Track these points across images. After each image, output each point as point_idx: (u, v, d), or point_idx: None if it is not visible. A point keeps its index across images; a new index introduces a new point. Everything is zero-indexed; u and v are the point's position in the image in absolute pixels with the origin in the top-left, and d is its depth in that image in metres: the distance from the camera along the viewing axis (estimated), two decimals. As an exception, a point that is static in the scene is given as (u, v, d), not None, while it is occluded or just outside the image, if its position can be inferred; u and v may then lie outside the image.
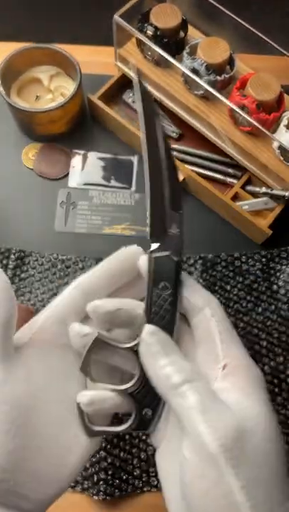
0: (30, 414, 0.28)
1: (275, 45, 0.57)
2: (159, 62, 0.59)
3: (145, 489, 0.48)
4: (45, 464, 0.28)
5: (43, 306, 0.55)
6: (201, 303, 0.28)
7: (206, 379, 0.27)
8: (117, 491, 0.47)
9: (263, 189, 0.58)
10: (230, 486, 0.23)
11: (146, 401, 0.29)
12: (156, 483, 0.48)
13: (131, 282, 0.31)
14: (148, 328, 0.27)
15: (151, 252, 0.30)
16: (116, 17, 0.56)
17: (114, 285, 0.31)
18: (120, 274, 0.31)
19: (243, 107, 0.55)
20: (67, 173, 0.62)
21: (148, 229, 0.30)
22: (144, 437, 0.49)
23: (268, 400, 0.27)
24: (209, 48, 0.56)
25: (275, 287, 0.57)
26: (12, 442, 0.26)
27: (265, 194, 0.58)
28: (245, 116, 0.53)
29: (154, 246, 0.30)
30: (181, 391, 0.25)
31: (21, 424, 0.27)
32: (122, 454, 0.49)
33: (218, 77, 0.56)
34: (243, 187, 0.60)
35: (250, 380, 0.27)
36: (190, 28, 0.61)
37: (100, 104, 0.61)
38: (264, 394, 0.27)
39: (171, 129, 0.64)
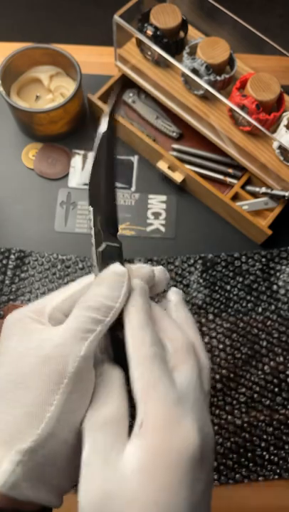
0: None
1: (275, 45, 0.57)
2: (159, 62, 0.59)
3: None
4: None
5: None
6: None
7: (115, 436, 0.26)
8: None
9: (263, 189, 0.58)
10: None
11: None
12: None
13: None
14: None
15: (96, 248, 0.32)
16: (116, 17, 0.56)
17: None
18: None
19: (242, 107, 0.55)
20: (68, 173, 0.63)
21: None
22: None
23: (183, 481, 0.24)
24: (209, 48, 0.56)
25: (275, 287, 0.57)
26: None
27: (265, 194, 0.58)
28: (245, 116, 0.53)
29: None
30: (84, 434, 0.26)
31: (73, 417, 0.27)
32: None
33: (218, 77, 0.56)
34: (242, 187, 0.60)
35: (159, 448, 0.24)
36: (190, 28, 0.61)
37: (100, 104, 0.62)
38: (176, 475, 0.24)
39: (171, 129, 0.64)
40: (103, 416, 0.26)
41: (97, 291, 0.29)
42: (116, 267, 0.30)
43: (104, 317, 0.28)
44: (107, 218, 0.32)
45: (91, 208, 0.32)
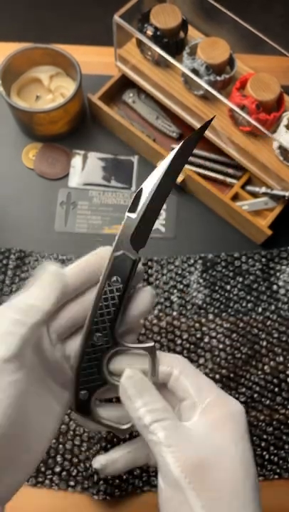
0: (27, 403, 0.29)
1: (275, 45, 0.57)
2: (159, 63, 0.59)
3: (145, 489, 0.48)
4: (23, 451, 0.30)
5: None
6: (166, 369, 0.32)
7: (175, 417, 0.30)
8: (117, 490, 0.47)
9: (263, 189, 0.58)
10: (192, 506, 0.27)
11: (84, 381, 0.32)
12: (156, 482, 0.48)
13: None
14: (126, 373, 0.31)
15: (113, 252, 0.32)
16: (116, 17, 0.56)
17: (88, 282, 0.33)
18: (96, 271, 0.33)
19: (242, 107, 0.55)
20: (68, 173, 0.63)
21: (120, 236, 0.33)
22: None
23: (242, 433, 0.30)
24: (209, 48, 0.56)
25: (275, 287, 0.57)
26: (8, 428, 0.28)
27: (265, 194, 0.58)
28: (245, 116, 0.54)
29: (118, 249, 0.32)
30: (151, 429, 0.29)
31: (19, 413, 0.28)
32: (122, 454, 0.49)
33: (218, 78, 0.56)
34: (243, 187, 0.60)
35: (223, 417, 0.30)
36: (190, 29, 0.61)
37: (100, 104, 0.62)
38: (238, 428, 0.30)
39: (171, 129, 0.64)
40: (158, 407, 0.30)
41: (27, 292, 0.30)
42: (50, 267, 0.31)
43: (29, 318, 0.29)
44: (138, 230, 0.32)
45: (127, 214, 0.32)
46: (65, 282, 0.31)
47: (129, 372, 0.31)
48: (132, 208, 0.33)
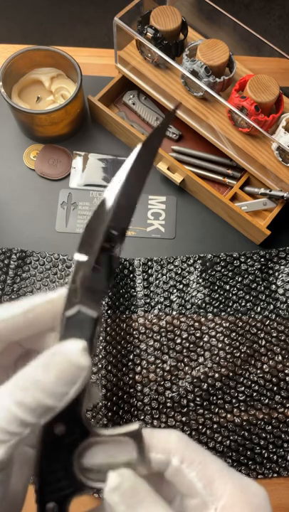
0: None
1: (274, 47, 0.58)
2: (159, 64, 0.60)
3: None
4: None
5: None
6: (161, 457, 0.24)
7: None
8: (117, 488, 0.47)
9: (262, 190, 0.59)
10: None
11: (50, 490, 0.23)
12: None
13: None
14: (111, 480, 0.22)
15: (64, 310, 0.23)
16: (116, 19, 0.57)
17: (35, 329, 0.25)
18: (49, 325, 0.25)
19: (242, 109, 0.55)
20: (68, 174, 0.63)
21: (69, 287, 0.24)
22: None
23: None
24: (209, 50, 0.57)
25: (273, 287, 0.57)
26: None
27: (263, 195, 0.59)
28: (244, 117, 0.54)
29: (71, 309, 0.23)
30: None
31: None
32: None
33: (218, 79, 0.57)
34: (241, 188, 0.61)
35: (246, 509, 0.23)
36: (190, 30, 0.62)
37: (101, 105, 0.62)
38: None
39: (171, 131, 0.64)
40: None
41: (39, 379, 0.21)
42: (73, 354, 0.22)
43: (38, 419, 0.21)
44: (95, 277, 0.24)
45: (77, 256, 0.24)
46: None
47: (114, 479, 0.22)
48: (83, 247, 0.24)
